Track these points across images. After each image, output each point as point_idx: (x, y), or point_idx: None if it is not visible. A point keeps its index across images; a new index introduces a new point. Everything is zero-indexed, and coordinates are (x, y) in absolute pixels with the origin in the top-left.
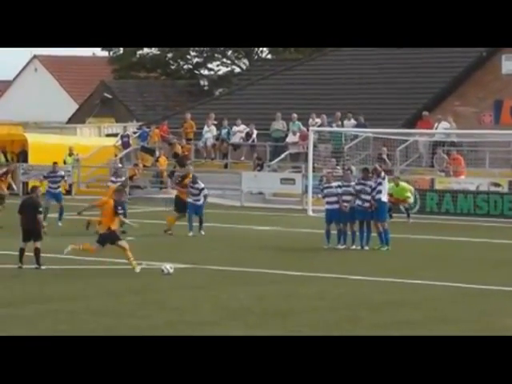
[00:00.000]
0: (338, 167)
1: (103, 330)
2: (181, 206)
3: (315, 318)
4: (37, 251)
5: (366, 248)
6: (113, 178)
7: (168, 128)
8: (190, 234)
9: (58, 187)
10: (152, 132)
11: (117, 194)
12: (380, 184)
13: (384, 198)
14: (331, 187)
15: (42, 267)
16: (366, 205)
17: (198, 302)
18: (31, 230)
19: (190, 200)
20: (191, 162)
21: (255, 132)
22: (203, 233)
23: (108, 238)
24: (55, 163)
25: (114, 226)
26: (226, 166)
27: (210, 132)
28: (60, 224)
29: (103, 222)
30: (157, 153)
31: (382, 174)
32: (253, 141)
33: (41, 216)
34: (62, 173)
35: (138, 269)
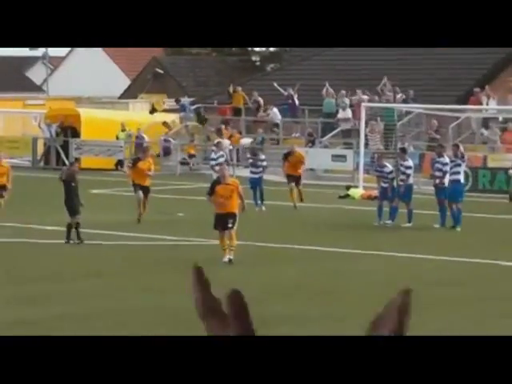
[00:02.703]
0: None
1: (153, 307)
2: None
3: (363, 296)
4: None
5: (437, 226)
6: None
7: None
8: (257, 209)
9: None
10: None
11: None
12: (459, 165)
13: (462, 178)
14: (383, 172)
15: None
16: (437, 181)
17: (245, 279)
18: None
19: (251, 175)
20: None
21: (261, 100)
22: (264, 208)
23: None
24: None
25: None
26: (277, 142)
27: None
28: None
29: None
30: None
31: (464, 155)
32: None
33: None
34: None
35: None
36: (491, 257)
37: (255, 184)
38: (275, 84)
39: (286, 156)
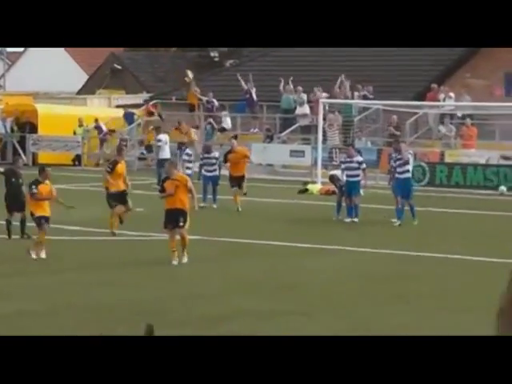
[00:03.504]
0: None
1: (115, 302)
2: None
3: (324, 291)
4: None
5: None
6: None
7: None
8: (202, 204)
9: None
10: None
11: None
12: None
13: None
14: (352, 162)
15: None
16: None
17: (207, 275)
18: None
19: (204, 172)
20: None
21: (216, 102)
22: (215, 206)
23: None
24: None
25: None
26: (235, 138)
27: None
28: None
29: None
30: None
31: (410, 151)
32: (216, 109)
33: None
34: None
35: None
36: (450, 251)
37: (208, 181)
38: (238, 75)
39: (228, 154)
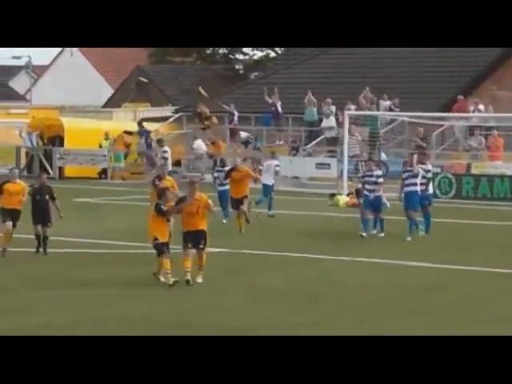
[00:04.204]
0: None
1: (140, 315)
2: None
3: (348, 303)
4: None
5: (408, 239)
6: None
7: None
8: (224, 221)
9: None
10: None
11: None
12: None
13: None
14: (372, 176)
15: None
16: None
17: (231, 286)
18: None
19: (220, 187)
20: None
21: (236, 114)
22: (224, 221)
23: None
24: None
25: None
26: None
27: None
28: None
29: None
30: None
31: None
32: (235, 124)
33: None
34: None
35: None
36: (477, 263)
37: (225, 196)
38: (264, 88)
39: (230, 172)
